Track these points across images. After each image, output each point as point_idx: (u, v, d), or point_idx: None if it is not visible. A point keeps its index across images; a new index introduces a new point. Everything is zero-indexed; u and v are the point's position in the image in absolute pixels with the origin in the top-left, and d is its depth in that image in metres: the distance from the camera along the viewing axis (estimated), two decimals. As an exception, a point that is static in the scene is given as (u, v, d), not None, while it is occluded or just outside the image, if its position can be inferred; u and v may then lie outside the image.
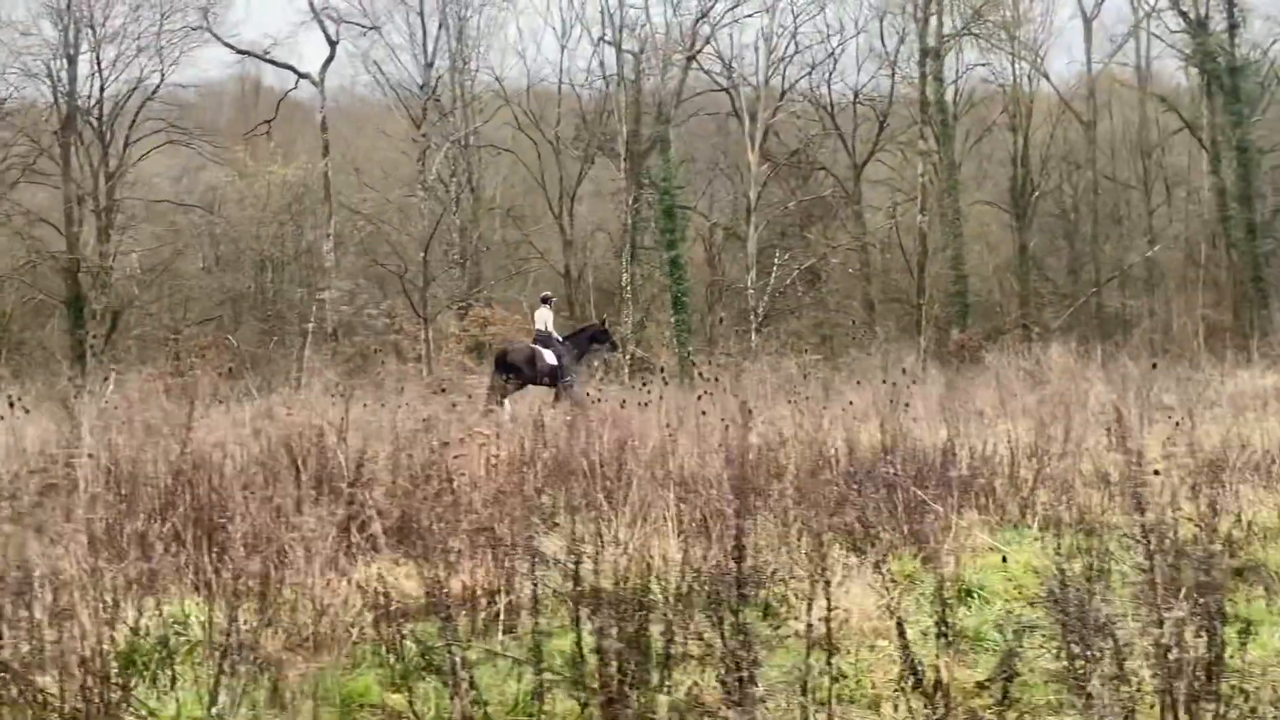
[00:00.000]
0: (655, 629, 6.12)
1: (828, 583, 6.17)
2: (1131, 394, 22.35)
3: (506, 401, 22.85)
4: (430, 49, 43.51)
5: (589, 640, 6.09)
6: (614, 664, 5.97)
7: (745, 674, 5.96)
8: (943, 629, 5.96)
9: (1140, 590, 6.00)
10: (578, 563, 6.27)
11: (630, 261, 42.77)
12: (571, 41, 45.12)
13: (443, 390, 15.13)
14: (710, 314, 45.52)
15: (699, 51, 44.43)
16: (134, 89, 42.89)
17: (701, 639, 6.12)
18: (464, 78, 43.80)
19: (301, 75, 43.97)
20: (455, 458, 10.41)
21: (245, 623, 6.51)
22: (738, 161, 44.95)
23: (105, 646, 6.14)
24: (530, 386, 25.43)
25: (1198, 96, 44.07)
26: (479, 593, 8.06)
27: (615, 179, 43.77)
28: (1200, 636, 5.80)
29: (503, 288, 44.87)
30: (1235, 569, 8.98)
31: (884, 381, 18.85)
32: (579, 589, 6.26)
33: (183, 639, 7.22)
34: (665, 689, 6.02)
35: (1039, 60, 45.52)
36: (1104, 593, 6.44)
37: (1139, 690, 5.93)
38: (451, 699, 5.91)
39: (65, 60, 41.20)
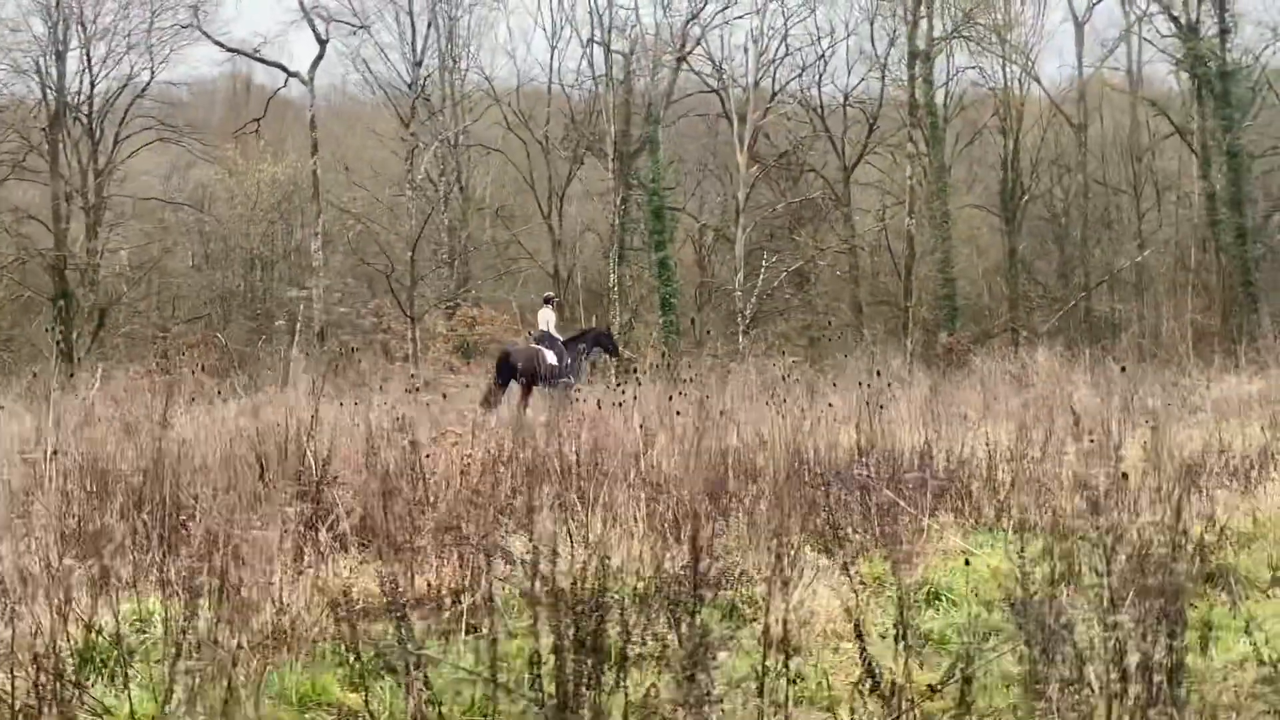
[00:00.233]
0: (612, 629, 6.09)
1: (785, 584, 6.14)
2: (1115, 398, 22.44)
3: (504, 403, 22.77)
4: (419, 48, 43.51)
5: (545, 641, 6.06)
6: (569, 665, 5.94)
7: (701, 675, 5.94)
8: (900, 632, 5.92)
9: (1096, 595, 5.98)
10: (535, 563, 6.23)
11: (618, 262, 42.75)
12: (561, 42, 45.00)
13: (418, 390, 15.04)
14: (700, 315, 45.51)
15: (689, 53, 44.42)
16: (124, 86, 42.86)
17: (657, 639, 6.09)
18: (454, 77, 43.79)
19: (291, 74, 43.93)
20: (426, 457, 10.39)
21: (203, 620, 6.47)
22: (727, 163, 44.95)
23: (60, 643, 6.11)
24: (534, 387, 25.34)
25: (1188, 101, 44.08)
26: (443, 592, 8.03)
27: (605, 179, 43.74)
28: (1153, 641, 5.77)
29: (491, 288, 44.83)
30: (1206, 574, 8.98)
31: (864, 385, 18.84)
32: (535, 589, 6.22)
33: (144, 636, 7.20)
34: (621, 690, 5.99)
35: (1030, 64, 45.57)
36: (1067, 597, 6.43)
37: (1097, 694, 5.91)
38: (405, 699, 5.87)
39: (54, 57, 41.13)
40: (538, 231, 45.96)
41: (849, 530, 9.99)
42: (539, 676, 6.08)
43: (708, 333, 40.48)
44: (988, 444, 14.11)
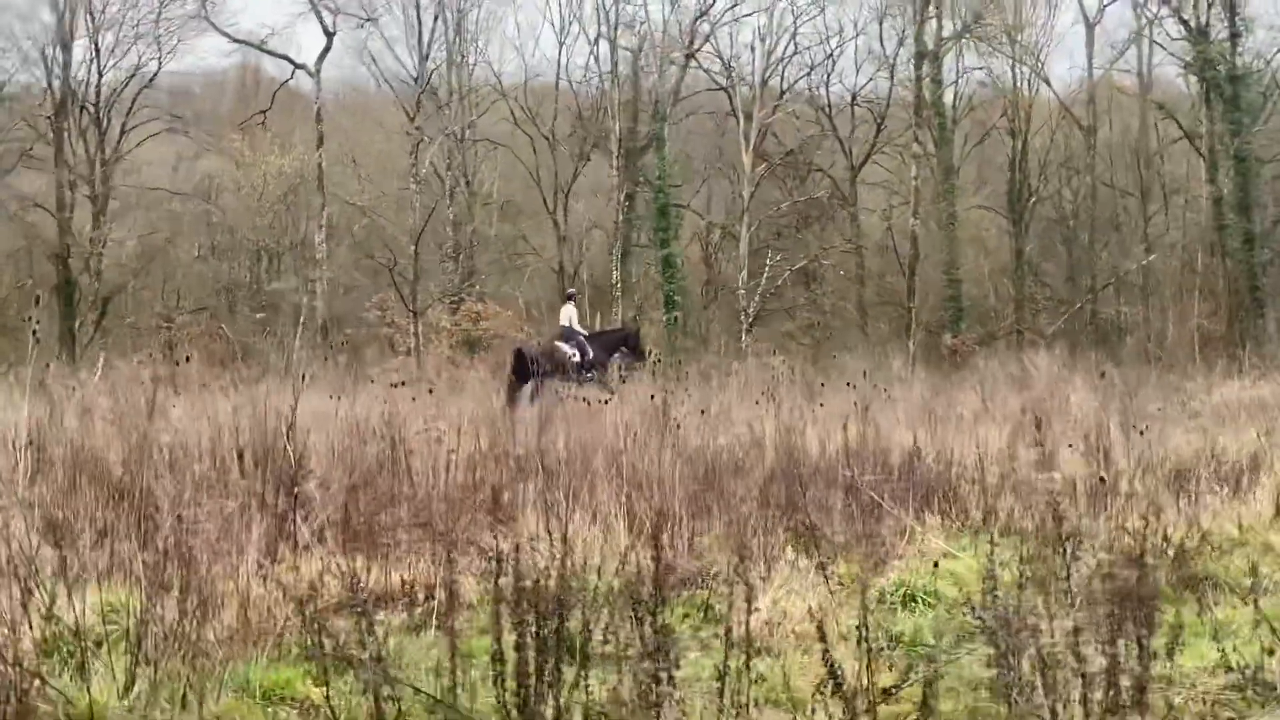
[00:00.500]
0: (573, 627, 6.07)
1: (748, 585, 6.12)
2: (1115, 402, 22.39)
3: (525, 399, 22.64)
4: (426, 42, 43.50)
5: (509, 638, 6.04)
6: (531, 662, 5.93)
7: (663, 674, 5.92)
8: (862, 634, 5.89)
9: (1058, 598, 5.95)
10: (498, 559, 6.22)
11: (622, 259, 42.73)
12: (569, 38, 45.03)
13: (403, 385, 15.03)
14: (705, 313, 45.51)
15: (697, 50, 44.38)
16: (131, 76, 42.91)
17: (617, 638, 6.06)
18: (461, 71, 43.74)
19: (298, 66, 43.97)
20: (409, 452, 10.38)
21: (169, 612, 6.46)
22: (734, 161, 44.92)
23: (20, 633, 6.10)
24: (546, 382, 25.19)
25: (1198, 105, 43.94)
26: (416, 588, 8.02)
27: (611, 176, 43.72)
28: (1118, 646, 5.73)
29: (496, 283, 44.84)
30: (1186, 580, 8.94)
31: (854, 386, 18.81)
32: (498, 585, 6.20)
33: (113, 628, 7.18)
34: (584, 688, 5.96)
35: (1040, 65, 45.46)
36: (1038, 600, 6.40)
37: (1060, 699, 5.87)
38: (364, 694, 5.85)
39: (60, 46, 41.21)
40: (543, 227, 45.94)
41: (829, 531, 9.94)
42: (502, 674, 6.07)
43: (709, 330, 40.48)
44: (978, 446, 14.09)
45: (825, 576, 8.48)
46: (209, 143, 45.30)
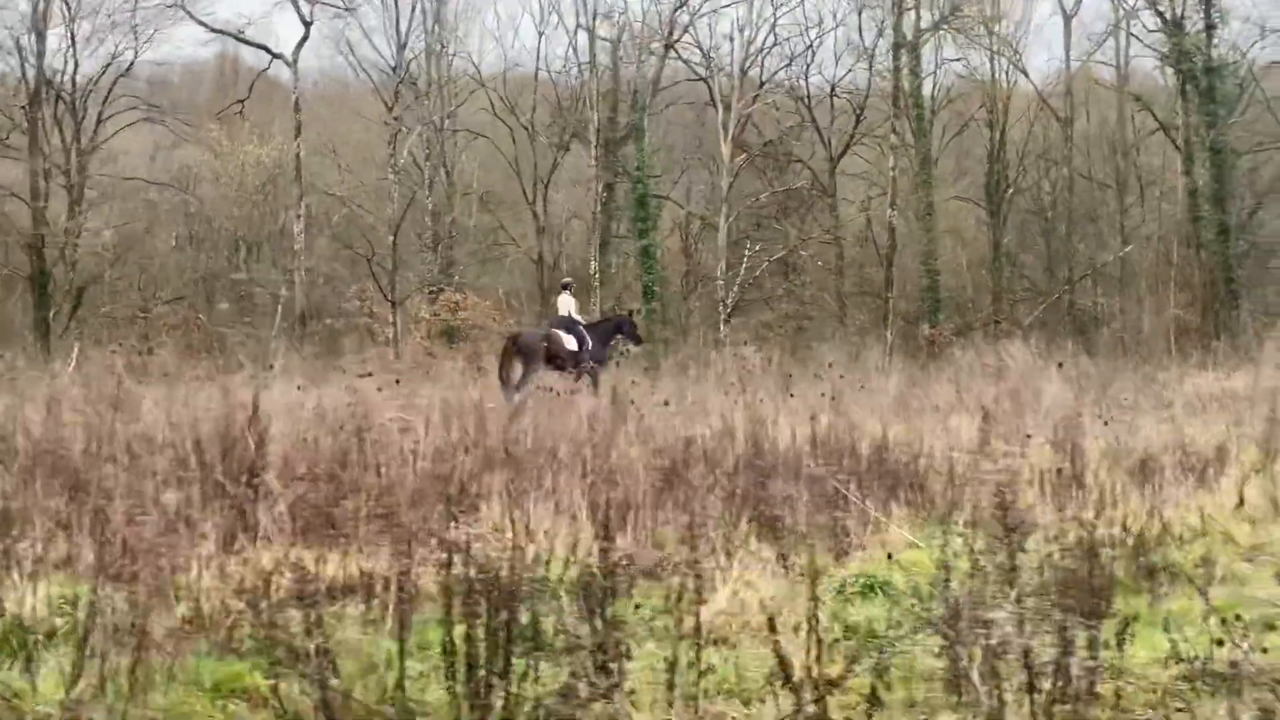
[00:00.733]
0: (526, 619, 6.06)
1: (698, 576, 6.12)
2: (1088, 393, 22.45)
3: (521, 389, 22.57)
4: (405, 31, 43.37)
5: (460, 630, 6.03)
6: (482, 654, 5.91)
7: (613, 665, 5.92)
8: (812, 624, 5.89)
9: (1006, 589, 5.96)
10: (451, 550, 6.20)
11: (601, 249, 42.70)
12: (549, 28, 44.92)
13: (369, 375, 14.99)
14: (685, 304, 45.51)
15: (677, 40, 44.36)
16: (108, 65, 42.72)
17: (566, 630, 6.05)
18: (440, 61, 43.63)
19: (275, 55, 43.81)
20: (373, 443, 10.36)
21: (118, 604, 6.43)
22: (714, 152, 44.89)
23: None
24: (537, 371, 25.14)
25: (1174, 96, 44.05)
26: (375, 579, 8.00)
27: (590, 166, 43.68)
28: (1061, 637, 5.75)
29: (476, 273, 44.79)
30: (1146, 570, 8.96)
31: (823, 377, 18.85)
32: (450, 576, 6.19)
33: (65, 621, 7.15)
34: (534, 679, 5.95)
35: (1017, 56, 45.51)
36: (989, 591, 6.41)
37: (1009, 690, 5.89)
38: (311, 688, 5.83)
39: (35, 35, 40.97)
40: (523, 218, 45.89)
41: (791, 521, 9.93)
42: (453, 666, 6.05)
43: (688, 321, 40.49)
44: (949, 437, 14.13)
45: (785, 567, 8.49)
46: (186, 132, 45.15)
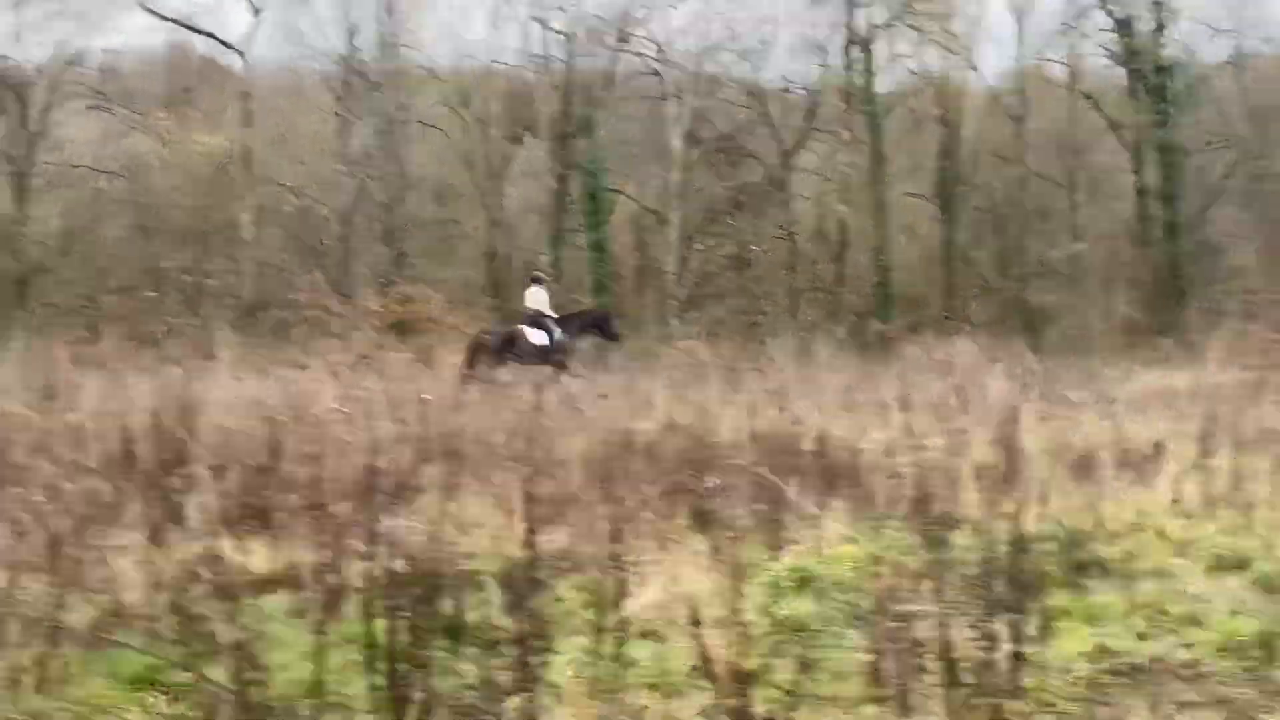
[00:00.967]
0: (448, 611, 6.03)
1: (621, 568, 6.09)
2: (1033, 389, 22.57)
3: (486, 381, 22.45)
4: (355, 21, 43.08)
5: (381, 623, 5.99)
6: (403, 647, 5.87)
7: (534, 658, 5.89)
8: (735, 617, 5.88)
9: (931, 582, 5.97)
10: (373, 543, 6.16)
11: (554, 243, 42.62)
12: (502, 20, 44.66)
13: (305, 368, 14.92)
14: (638, 298, 45.44)
15: (631, 34, 44.24)
16: (57, 52, 42.24)
17: (486, 621, 6.03)
18: (392, 52, 43.37)
19: (225, 44, 43.46)
20: (308, 434, 10.28)
21: (37, 596, 6.36)
22: (669, 146, 44.82)
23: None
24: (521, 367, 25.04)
25: (1125, 95, 44.34)
26: (303, 571, 7.94)
27: (542, 160, 43.55)
28: (985, 631, 5.76)
29: (428, 266, 44.57)
30: (1077, 564, 9.00)
31: (762, 371, 18.88)
32: (376, 568, 6.15)
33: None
34: (456, 673, 5.92)
35: (970, 54, 45.62)
36: (917, 584, 6.42)
37: (935, 684, 5.89)
38: (230, 680, 5.77)
39: (-19, 21, 40.54)
40: (476, 211, 45.68)
41: (728, 515, 9.92)
42: (373, 659, 6.01)
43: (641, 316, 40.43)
44: (891, 432, 14.16)
45: (718, 560, 8.46)
46: (135, 121, 44.69)
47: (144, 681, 6.39)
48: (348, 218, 41.54)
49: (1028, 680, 6.08)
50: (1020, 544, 6.65)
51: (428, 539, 6.65)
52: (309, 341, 33.40)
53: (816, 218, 46.00)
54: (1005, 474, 11.38)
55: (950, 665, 5.71)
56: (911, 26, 44.34)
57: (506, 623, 6.02)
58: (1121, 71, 44.53)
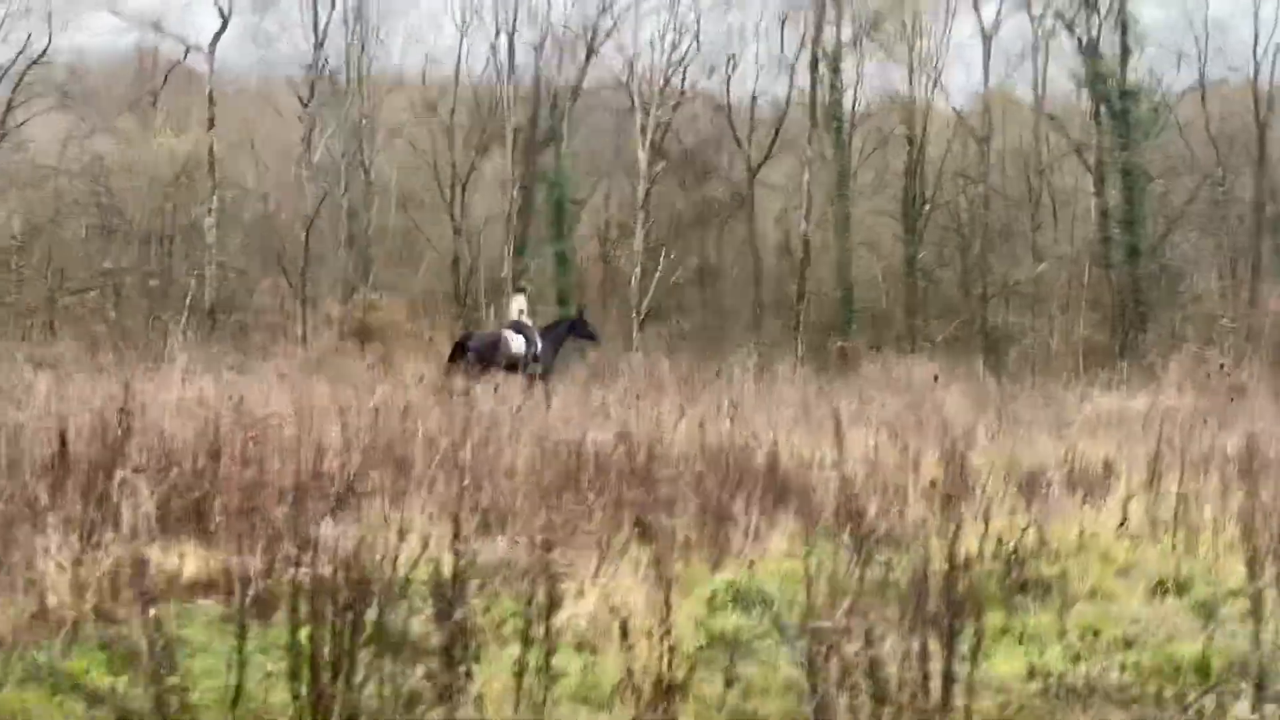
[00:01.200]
0: (373, 620, 5.94)
1: (551, 578, 6.03)
2: (990, 409, 22.64)
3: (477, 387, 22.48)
4: (323, 28, 42.93)
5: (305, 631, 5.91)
6: (325, 655, 5.79)
7: (459, 669, 5.82)
8: (665, 630, 5.82)
9: (864, 599, 5.92)
10: (300, 549, 6.08)
11: (518, 253, 42.56)
12: (470, 30, 44.60)
13: (240, 372, 14.81)
14: (603, 310, 45.37)
15: (599, 46, 44.28)
16: (21, 51, 41.92)
17: (407, 631, 5.95)
18: (359, 59, 43.27)
19: (191, 47, 43.26)
20: (252, 439, 10.17)
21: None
22: (635, 158, 44.83)
23: None
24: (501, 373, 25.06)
25: (1088, 118, 44.58)
26: (233, 577, 7.83)
27: (506, 170, 43.47)
28: (916, 648, 5.71)
29: (392, 273, 44.45)
30: (1020, 584, 8.99)
31: (732, 385, 18.86)
32: (303, 574, 6.06)
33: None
34: (380, 681, 5.83)
35: (937, 74, 45.80)
36: (855, 600, 6.37)
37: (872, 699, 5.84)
38: (148, 687, 5.68)
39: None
40: (441, 219, 45.58)
41: (674, 527, 9.87)
42: (297, 668, 5.92)
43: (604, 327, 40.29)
44: (842, 448, 14.12)
45: (658, 573, 8.40)
46: (99, 122, 44.37)
47: (67, 686, 6.28)
48: (309, 223, 41.34)
49: (958, 700, 6.04)
50: (955, 562, 6.62)
51: (362, 546, 6.58)
52: (269, 346, 33.32)
53: (781, 233, 46.06)
54: (951, 492, 11.35)
55: (879, 683, 5.65)
56: (879, 46, 44.50)
57: (432, 632, 5.93)
58: (1086, 95, 44.74)
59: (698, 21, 44.67)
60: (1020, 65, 45.97)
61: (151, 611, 5.70)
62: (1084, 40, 42.96)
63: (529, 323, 26.75)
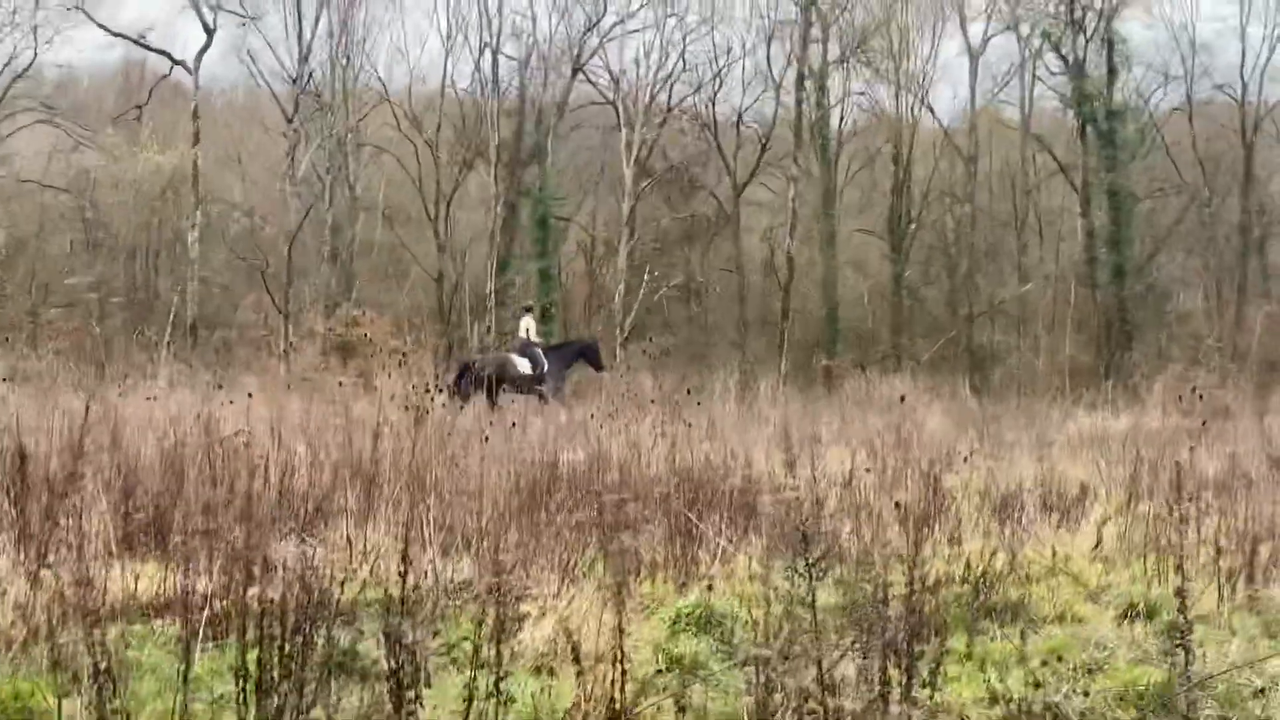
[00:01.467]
0: (322, 643, 5.86)
1: (500, 602, 5.95)
2: (971, 429, 22.58)
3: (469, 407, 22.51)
4: (308, 43, 42.88)
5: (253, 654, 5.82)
6: (272, 679, 5.71)
7: (407, 692, 5.74)
8: (617, 654, 5.74)
9: (826, 623, 5.85)
10: (248, 571, 5.99)
11: (501, 270, 42.50)
12: (456, 46, 44.60)
13: (220, 387, 14.71)
14: (588, 327, 45.31)
15: (585, 63, 44.28)
16: (6, 64, 41.88)
17: (354, 654, 5.87)
18: (345, 74, 43.20)
19: (176, 62, 43.17)
20: (216, 457, 10.09)
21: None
22: (620, 175, 44.83)
23: None
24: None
25: (1074, 138, 44.66)
26: (191, 597, 7.72)
27: (490, 186, 43.44)
28: (877, 676, 5.65)
29: (376, 289, 44.33)
30: (988, 608, 8.91)
31: (713, 404, 18.77)
32: (245, 598, 5.98)
33: None
34: (327, 704, 5.75)
35: (924, 93, 45.88)
36: (817, 625, 6.29)
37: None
38: (91, 710, 5.59)
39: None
40: (426, 235, 45.53)
41: (642, 549, 9.79)
42: (244, 691, 5.84)
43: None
44: (819, 468, 14.04)
45: (619, 596, 8.31)
46: (85, 136, 44.28)
47: (13, 708, 6.19)
48: (292, 238, 41.25)
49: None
50: (915, 585, 6.55)
51: (320, 566, 6.50)
52: (251, 362, 33.20)
53: (766, 251, 46.05)
54: (924, 514, 11.29)
55: (829, 711, 5.58)
56: (864, 64, 44.55)
57: (381, 655, 5.85)
58: (1071, 115, 44.81)
59: (684, 39, 44.73)
60: (1007, 85, 46.13)
61: (96, 632, 5.62)
62: (1070, 60, 43.04)
63: (538, 342, 26.78)
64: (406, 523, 6.92)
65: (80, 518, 8.58)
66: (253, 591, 6.20)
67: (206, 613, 7.49)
